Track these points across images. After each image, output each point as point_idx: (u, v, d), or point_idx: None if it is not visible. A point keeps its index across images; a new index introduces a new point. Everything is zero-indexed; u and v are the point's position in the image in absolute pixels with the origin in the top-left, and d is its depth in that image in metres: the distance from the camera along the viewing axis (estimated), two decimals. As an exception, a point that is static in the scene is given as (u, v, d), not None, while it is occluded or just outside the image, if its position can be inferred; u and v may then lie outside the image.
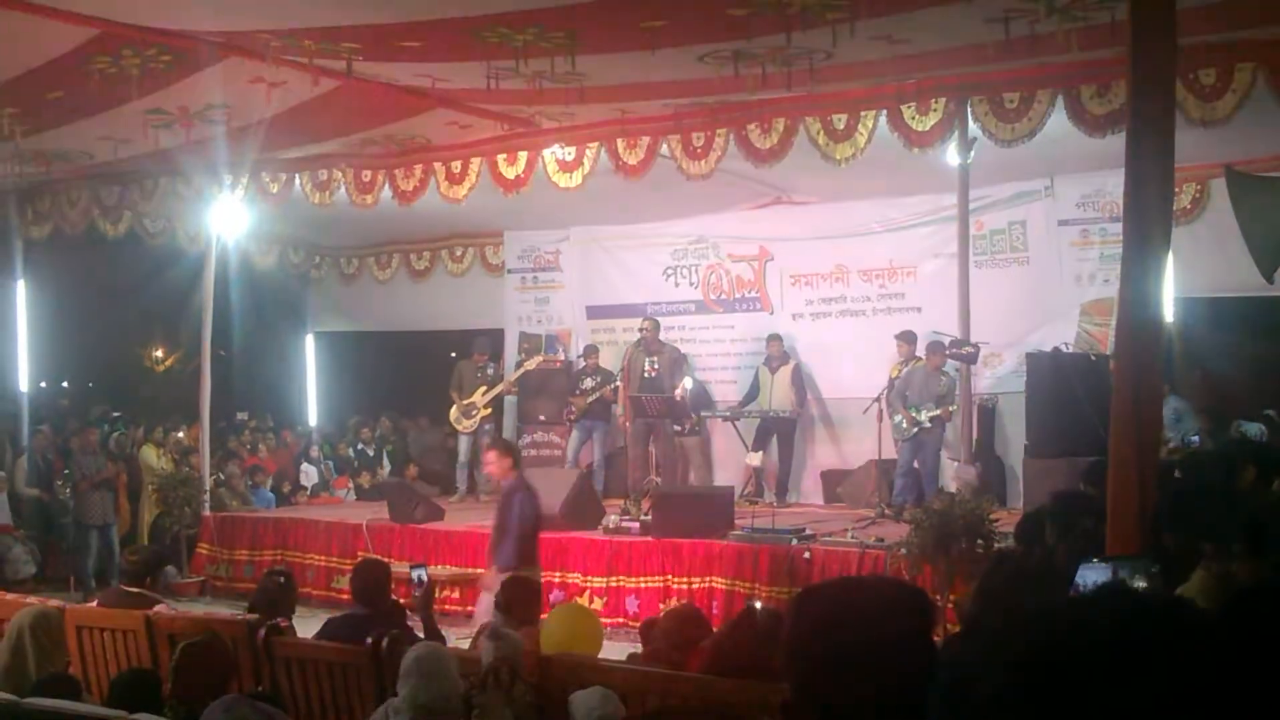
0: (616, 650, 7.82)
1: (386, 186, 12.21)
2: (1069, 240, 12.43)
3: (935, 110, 9.64)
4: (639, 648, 7.14)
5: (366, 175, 12.29)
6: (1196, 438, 12.00)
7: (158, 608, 7.12)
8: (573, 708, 4.56)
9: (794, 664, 1.93)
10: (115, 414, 16.06)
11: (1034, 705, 1.15)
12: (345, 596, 9.26)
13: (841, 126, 9.96)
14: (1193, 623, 1.21)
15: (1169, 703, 1.13)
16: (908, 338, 12.31)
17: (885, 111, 9.77)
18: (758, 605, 7.76)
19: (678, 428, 13.41)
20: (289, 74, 9.16)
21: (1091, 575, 3.92)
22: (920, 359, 11.96)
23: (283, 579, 7.19)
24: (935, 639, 1.94)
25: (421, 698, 4.29)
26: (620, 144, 10.87)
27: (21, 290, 14.44)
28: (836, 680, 1.79)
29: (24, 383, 14.45)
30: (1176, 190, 11.18)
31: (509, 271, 16.07)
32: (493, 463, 9.08)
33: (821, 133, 10.02)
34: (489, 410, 14.28)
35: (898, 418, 11.83)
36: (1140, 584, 3.91)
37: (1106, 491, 4.90)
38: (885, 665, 1.76)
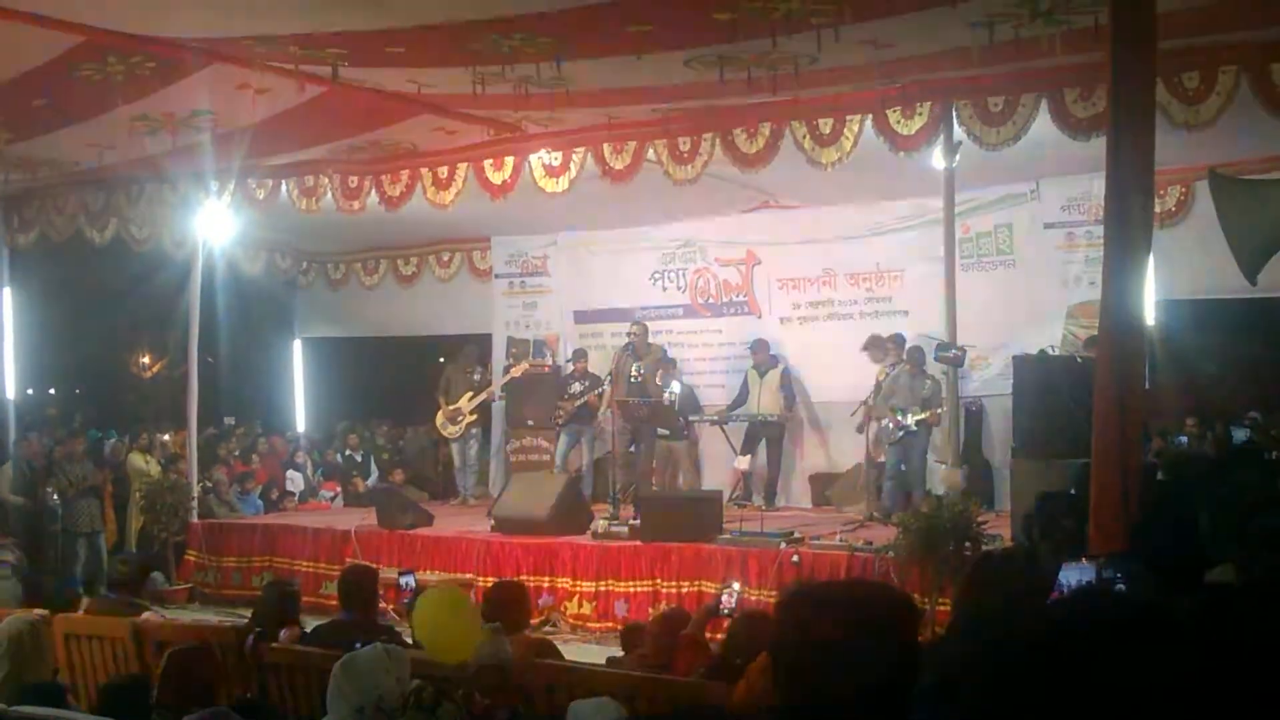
0: (604, 655, 7.83)
1: (373, 192, 12.20)
2: (1055, 243, 12.46)
3: (920, 114, 9.67)
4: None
5: (353, 181, 12.28)
6: (1185, 439, 12.07)
7: (145, 615, 7.13)
8: (573, 717, 4.53)
9: (778, 665, 1.94)
10: (101, 432, 15.95)
11: (1013, 705, 1.17)
12: (333, 603, 9.24)
13: (827, 131, 9.98)
14: (1171, 625, 1.22)
15: (1145, 702, 1.15)
16: (895, 341, 12.33)
17: (871, 116, 9.79)
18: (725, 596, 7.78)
19: (665, 431, 13.42)
20: (275, 80, 9.16)
21: (1074, 575, 3.93)
22: (905, 363, 11.99)
23: (287, 588, 7.27)
24: (919, 641, 1.95)
25: (356, 700, 4.21)
26: (607, 149, 10.88)
27: (8, 297, 14.39)
28: (819, 681, 1.80)
29: (10, 390, 14.40)
30: (1161, 193, 11.26)
31: (496, 276, 16.06)
32: None
33: (807, 137, 10.03)
34: (474, 416, 14.31)
35: (884, 421, 11.85)
36: (1121, 585, 3.93)
37: (1090, 491, 4.92)
38: (867, 667, 1.78)
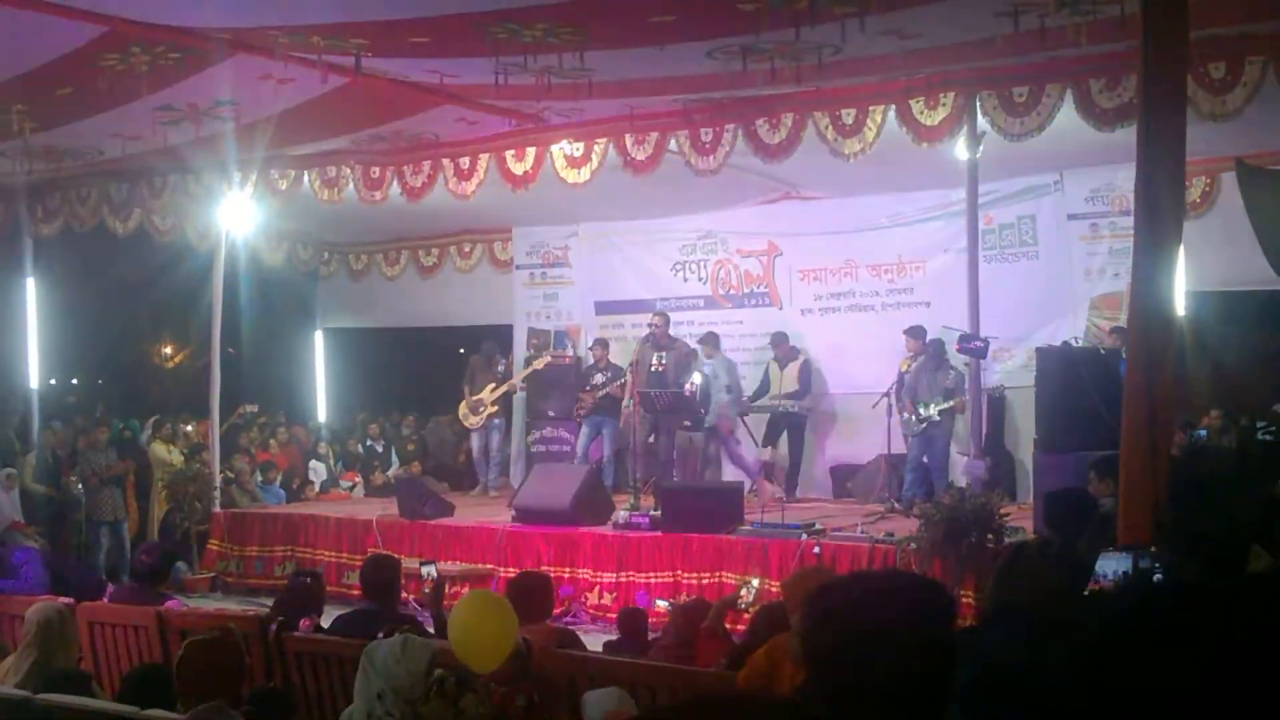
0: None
1: (395, 183, 12.21)
2: (1078, 234, 12.41)
3: (944, 105, 9.62)
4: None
5: (375, 172, 12.30)
6: (1204, 432, 11.97)
7: (169, 604, 7.16)
8: (586, 707, 4.54)
9: (810, 656, 1.93)
10: (123, 422, 16.01)
11: (1067, 697, 1.15)
12: (355, 592, 9.27)
13: (850, 121, 9.95)
14: (1223, 615, 1.20)
15: (1200, 694, 1.13)
16: (916, 333, 12.27)
17: (894, 106, 9.76)
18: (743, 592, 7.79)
19: (687, 423, 13.40)
20: (297, 71, 9.16)
21: (1110, 565, 3.90)
22: (926, 354, 11.94)
23: (310, 578, 7.27)
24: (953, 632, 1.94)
25: (377, 686, 4.20)
26: (629, 140, 10.86)
27: (31, 287, 14.46)
28: (853, 672, 1.79)
29: (34, 379, 14.48)
30: (1186, 184, 11.17)
31: (518, 267, 16.06)
32: None
33: (830, 128, 10.01)
34: (496, 407, 14.34)
35: (906, 413, 11.82)
36: (1159, 575, 3.90)
37: (1119, 482, 4.88)
38: (903, 658, 1.77)
